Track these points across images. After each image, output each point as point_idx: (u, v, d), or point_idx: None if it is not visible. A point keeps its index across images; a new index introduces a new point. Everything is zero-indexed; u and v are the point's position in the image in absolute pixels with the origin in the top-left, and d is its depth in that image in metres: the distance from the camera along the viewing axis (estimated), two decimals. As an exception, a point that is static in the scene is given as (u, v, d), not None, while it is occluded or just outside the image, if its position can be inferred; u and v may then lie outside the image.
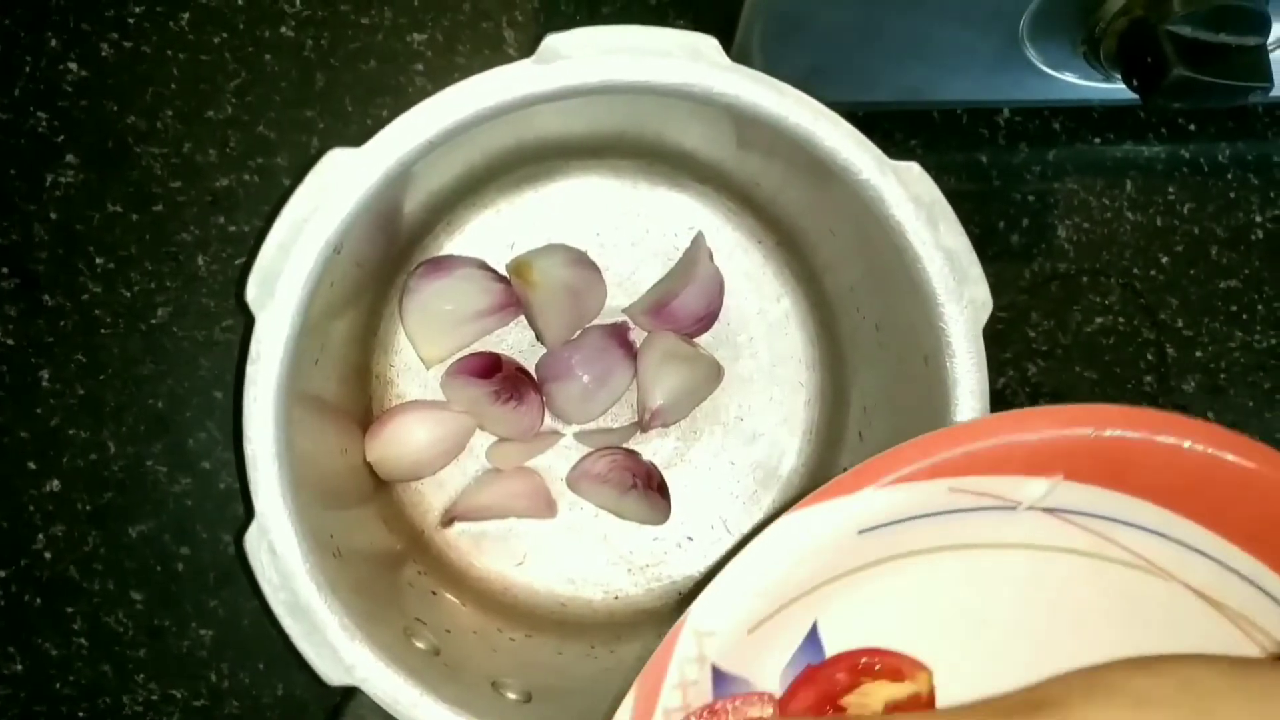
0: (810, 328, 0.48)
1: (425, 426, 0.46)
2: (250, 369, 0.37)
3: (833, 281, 0.46)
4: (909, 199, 0.37)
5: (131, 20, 0.50)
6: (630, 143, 0.46)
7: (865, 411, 0.45)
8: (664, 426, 0.48)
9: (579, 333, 0.47)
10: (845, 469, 0.44)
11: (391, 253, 0.46)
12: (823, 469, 0.47)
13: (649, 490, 0.47)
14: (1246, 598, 0.33)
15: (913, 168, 0.38)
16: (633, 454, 0.47)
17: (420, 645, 0.40)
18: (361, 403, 0.47)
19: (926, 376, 0.38)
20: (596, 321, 0.48)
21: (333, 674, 0.36)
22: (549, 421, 0.48)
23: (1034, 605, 0.33)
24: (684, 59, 0.37)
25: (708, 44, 0.37)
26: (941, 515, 0.32)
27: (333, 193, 0.37)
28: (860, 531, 0.32)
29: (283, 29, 0.50)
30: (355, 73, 0.50)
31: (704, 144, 0.44)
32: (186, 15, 0.50)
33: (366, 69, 0.50)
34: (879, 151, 0.37)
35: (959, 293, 0.38)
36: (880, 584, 0.32)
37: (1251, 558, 0.32)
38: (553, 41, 0.37)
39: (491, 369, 0.46)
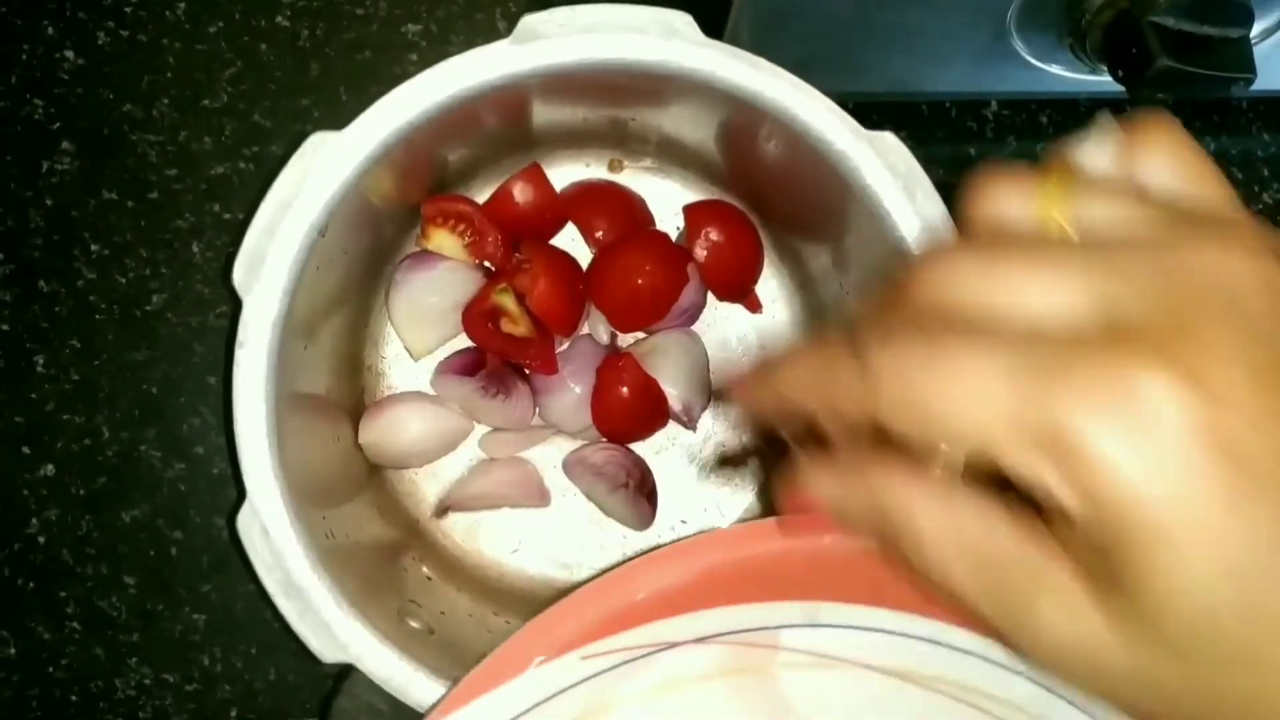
0: (796, 307, 0.49)
1: (422, 421, 0.46)
2: (239, 352, 0.37)
3: (816, 258, 0.47)
4: (885, 168, 0.38)
5: (128, 9, 0.50)
6: (613, 129, 0.46)
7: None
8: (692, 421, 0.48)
9: (568, 343, 0.47)
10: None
11: (380, 243, 0.46)
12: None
13: (638, 494, 0.47)
14: (924, 657, 0.32)
15: (887, 137, 0.38)
16: (633, 454, 0.48)
17: (415, 625, 0.40)
18: (353, 395, 0.47)
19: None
20: (585, 330, 0.48)
21: (327, 651, 0.36)
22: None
23: None
24: (659, 36, 0.37)
25: (682, 20, 0.38)
26: (584, 683, 0.32)
27: (315, 175, 0.37)
28: None
29: (278, 18, 0.51)
30: (350, 62, 0.51)
31: (686, 127, 0.44)
32: (183, 4, 0.50)
33: (361, 59, 0.51)
34: (855, 122, 0.38)
35: None
36: None
37: (887, 610, 0.32)
38: (530, 21, 0.37)
39: (475, 365, 0.46)
